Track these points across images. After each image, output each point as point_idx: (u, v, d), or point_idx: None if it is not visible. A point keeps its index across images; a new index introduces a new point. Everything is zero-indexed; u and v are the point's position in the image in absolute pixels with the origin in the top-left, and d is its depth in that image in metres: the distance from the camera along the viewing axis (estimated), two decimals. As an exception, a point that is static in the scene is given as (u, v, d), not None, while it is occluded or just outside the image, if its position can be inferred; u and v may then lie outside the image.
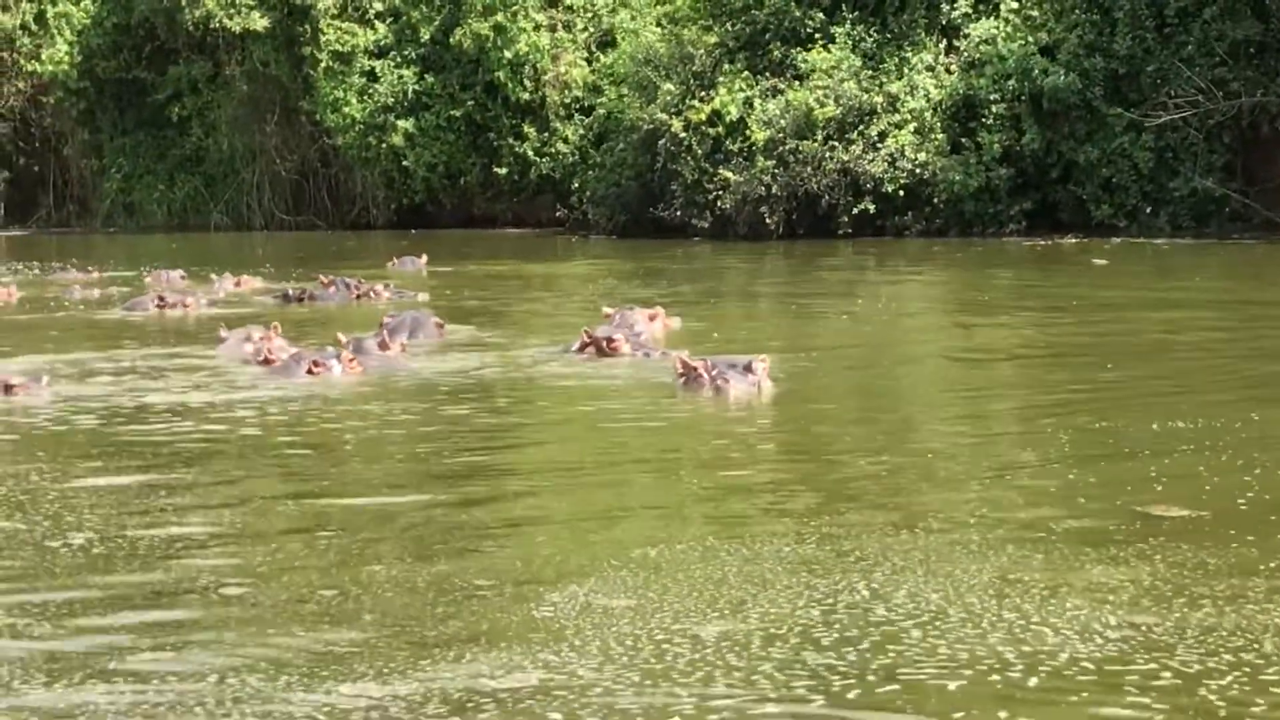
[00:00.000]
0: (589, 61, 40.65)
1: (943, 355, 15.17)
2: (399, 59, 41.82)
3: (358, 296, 21.49)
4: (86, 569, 7.55)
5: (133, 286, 25.06)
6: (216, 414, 11.90)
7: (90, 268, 29.20)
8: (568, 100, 40.39)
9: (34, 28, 47.13)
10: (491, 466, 10.19)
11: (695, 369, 12.27)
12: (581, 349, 13.81)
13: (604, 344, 13.68)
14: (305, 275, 26.48)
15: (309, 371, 13.21)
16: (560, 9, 41.14)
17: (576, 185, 38.82)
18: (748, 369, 12.20)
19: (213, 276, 24.12)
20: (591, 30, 40.93)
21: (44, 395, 12.93)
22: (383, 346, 14.84)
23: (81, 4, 46.93)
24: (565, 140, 40.02)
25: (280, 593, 7.05)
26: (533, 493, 9.32)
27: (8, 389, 12.93)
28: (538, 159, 40.31)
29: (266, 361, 13.86)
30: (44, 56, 46.61)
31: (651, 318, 16.10)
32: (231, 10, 42.00)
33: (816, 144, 32.32)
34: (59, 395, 12.98)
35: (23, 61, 47.18)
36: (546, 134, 40.41)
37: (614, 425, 11.47)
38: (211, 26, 42.44)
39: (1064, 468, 9.40)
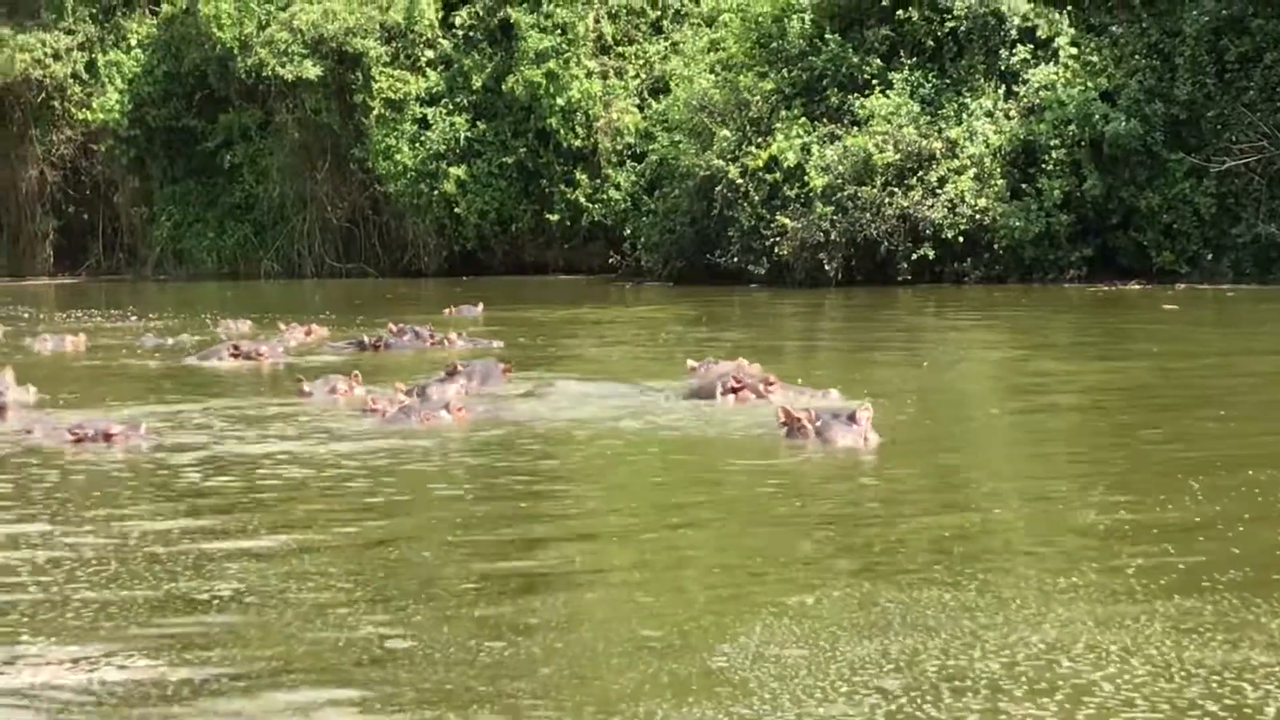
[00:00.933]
0: (640, 108, 40.67)
1: (1040, 400, 15.00)
2: (451, 106, 41.90)
3: (431, 344, 21.41)
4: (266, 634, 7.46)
5: (202, 335, 25.02)
6: (346, 466, 11.76)
7: (152, 316, 29.24)
8: (619, 147, 40.41)
9: (85, 76, 47.30)
10: (617, 511, 10.09)
11: (799, 419, 12.15)
12: (729, 392, 13.65)
13: (761, 387, 13.50)
14: (368, 323, 26.48)
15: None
16: (612, 56, 41.22)
17: (629, 232, 38.74)
18: (851, 419, 12.08)
19: (281, 325, 24.06)
20: (643, 77, 40.99)
21: (143, 444, 12.86)
22: (451, 374, 14.82)
23: (132, 53, 47.12)
24: (617, 187, 40.00)
25: (448, 646, 6.95)
26: (668, 541, 9.20)
27: (107, 437, 12.87)
28: (589, 205, 40.31)
29: (372, 411, 13.75)
30: (95, 105, 46.78)
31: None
32: (284, 59, 42.11)
33: (875, 190, 32.23)
34: (160, 445, 12.91)
35: (74, 110, 47.32)
36: (598, 180, 40.42)
37: (730, 475, 11.37)
38: (263, 75, 42.52)
39: (1205, 512, 9.26)
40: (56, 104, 47.55)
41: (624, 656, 6.70)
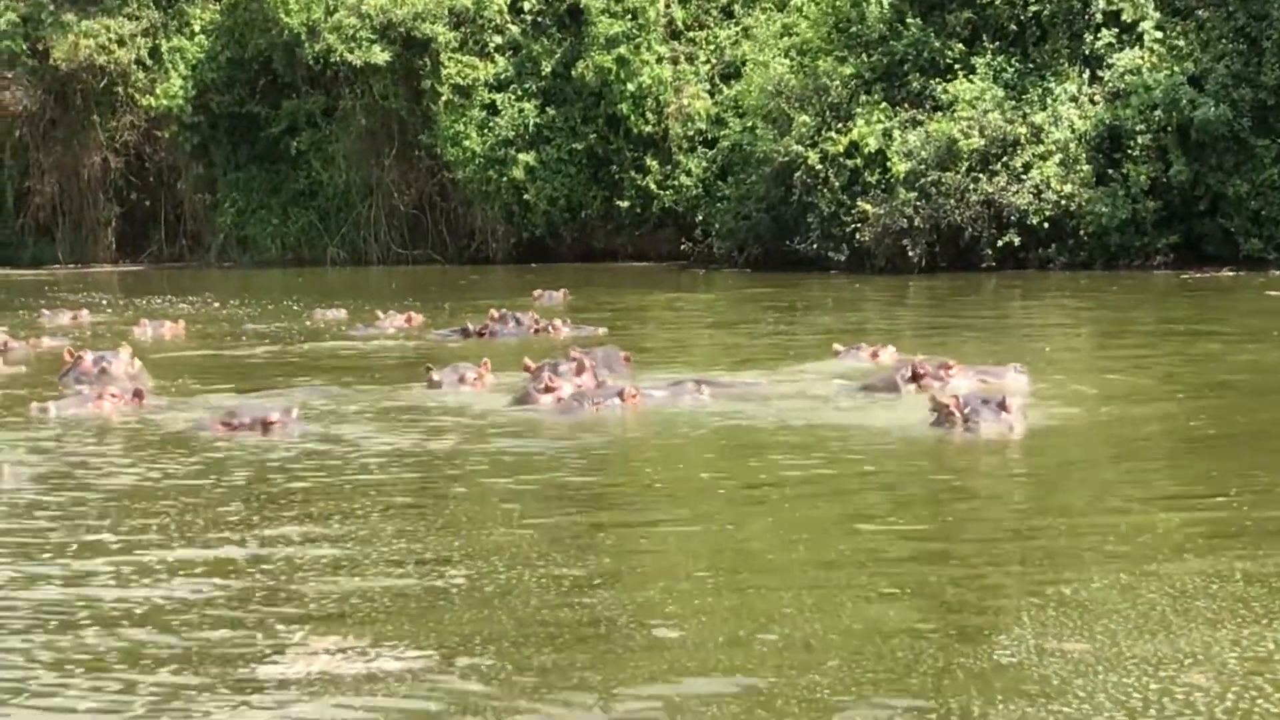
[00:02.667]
0: (711, 93, 40.40)
1: (1179, 387, 14.72)
2: (520, 92, 41.67)
3: (535, 331, 21.23)
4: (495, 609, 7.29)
5: (300, 323, 24.89)
6: (568, 458, 11.56)
7: (234, 302, 29.14)
8: (690, 133, 40.14)
9: (148, 62, 47.15)
10: (828, 499, 9.90)
11: (948, 407, 11.94)
12: (911, 381, 13.41)
13: (940, 372, 13.25)
14: (456, 310, 26.33)
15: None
16: (683, 41, 40.97)
17: (700, 218, 38.51)
18: (1001, 406, 11.86)
19: (378, 313, 23.88)
20: (714, 62, 40.71)
21: (294, 431, 12.71)
22: (578, 370, 14.60)
23: (196, 39, 46.97)
24: (688, 173, 39.74)
25: (716, 634, 6.77)
26: (886, 531, 9.02)
27: (266, 426, 12.71)
28: (660, 192, 40.04)
29: (548, 390, 13.48)
30: (158, 91, 46.62)
31: (874, 355, 15.82)
32: (352, 44, 41.93)
33: (960, 175, 31.95)
34: (307, 434, 12.74)
35: (137, 96, 47.18)
36: (669, 167, 40.16)
37: (905, 460, 11.22)
38: (331, 61, 42.36)
39: None
40: (120, 90, 47.36)
41: (902, 649, 6.52)
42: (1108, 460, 11.28)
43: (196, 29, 47.07)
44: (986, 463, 11.23)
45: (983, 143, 31.98)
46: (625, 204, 40.81)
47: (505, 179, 41.40)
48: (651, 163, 40.28)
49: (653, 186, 40.17)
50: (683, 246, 39.01)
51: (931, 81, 33.57)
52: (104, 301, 31.76)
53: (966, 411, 11.82)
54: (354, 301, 27.89)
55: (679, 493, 10.21)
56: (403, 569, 8.08)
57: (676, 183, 39.93)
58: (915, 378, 13.55)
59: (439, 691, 6.10)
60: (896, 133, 33.07)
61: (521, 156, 41.11)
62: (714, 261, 37.42)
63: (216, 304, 29.53)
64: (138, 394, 14.84)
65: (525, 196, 41.45)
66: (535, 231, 42.38)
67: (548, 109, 41.33)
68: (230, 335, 23.27)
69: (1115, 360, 17.41)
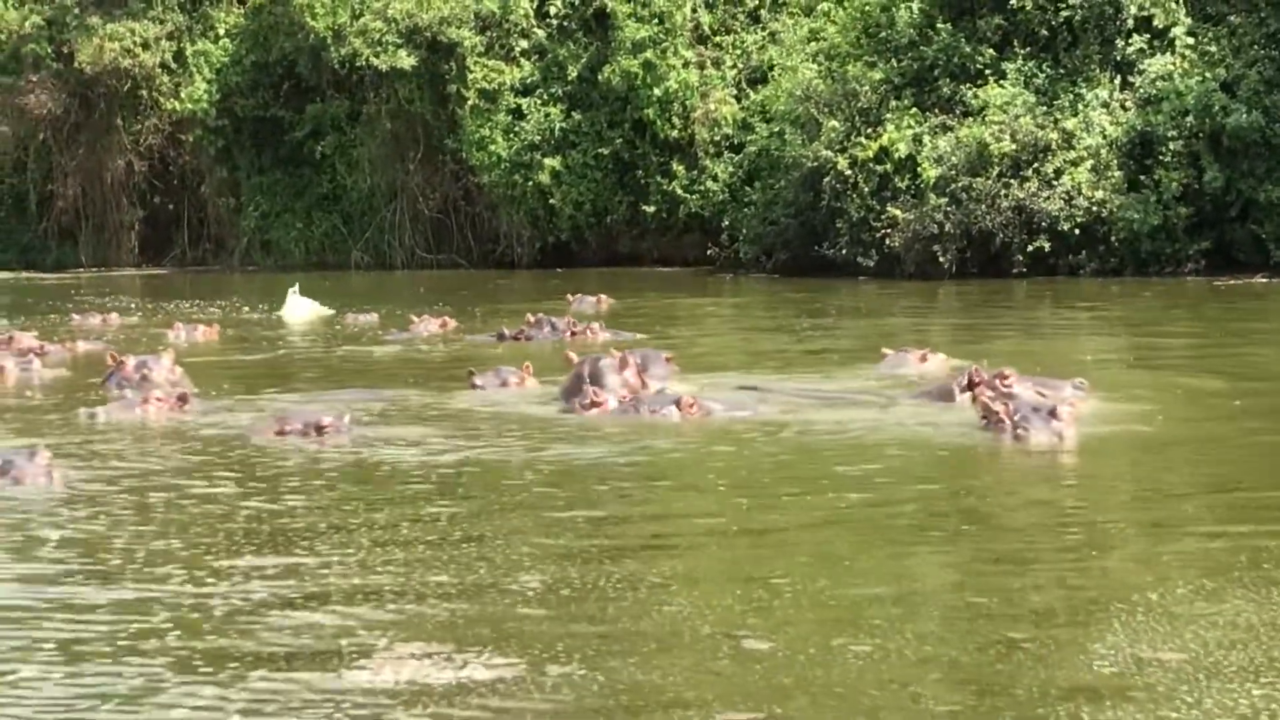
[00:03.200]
0: (738, 99, 40.31)
1: (1234, 392, 14.59)
2: (545, 96, 41.61)
3: (571, 335, 21.14)
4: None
5: (332, 328, 24.83)
6: (634, 465, 11.48)
7: (264, 306, 29.07)
8: (717, 137, 40.07)
9: (173, 66, 47.15)
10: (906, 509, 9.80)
11: (997, 414, 11.83)
12: (967, 389, 13.27)
13: (997, 382, 13.10)
14: (488, 314, 26.26)
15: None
16: (709, 46, 40.90)
17: (726, 223, 38.42)
18: (1051, 414, 11.74)
19: (413, 317, 23.79)
20: (740, 67, 40.63)
21: (346, 436, 12.62)
22: (620, 366, 14.50)
23: (220, 42, 46.97)
24: (714, 178, 39.68)
25: (806, 645, 6.67)
26: (958, 539, 8.92)
27: (319, 430, 12.62)
28: (686, 197, 39.96)
29: (594, 405, 13.36)
30: (183, 95, 46.63)
31: (923, 358, 15.72)
32: (378, 49, 41.89)
33: (990, 181, 31.83)
34: (363, 438, 12.66)
35: (162, 100, 47.18)
36: (695, 172, 40.08)
37: (965, 468, 11.12)
38: (357, 65, 42.32)
39: None
40: (144, 94, 47.36)
41: (1003, 660, 6.42)
42: (1169, 466, 11.16)
43: (221, 33, 47.09)
44: (1045, 470, 11.14)
45: (1014, 148, 31.86)
46: (651, 209, 40.75)
47: (531, 183, 41.34)
48: (678, 167, 40.21)
49: (679, 191, 40.09)
50: (709, 251, 38.88)
51: (962, 87, 33.46)
52: (132, 305, 31.73)
53: (1016, 419, 11.71)
54: (383, 306, 27.83)
55: (746, 498, 10.10)
56: (474, 574, 7.98)
57: (703, 188, 39.86)
58: (971, 386, 13.42)
59: (533, 703, 5.99)
60: (927, 138, 32.96)
61: (547, 161, 41.04)
62: (740, 267, 37.31)
63: (246, 308, 29.47)
64: (182, 398, 14.76)
65: (551, 201, 41.39)
66: (560, 236, 42.33)
67: (573, 113, 41.27)
68: (264, 339, 23.21)
69: (1163, 366, 17.31)
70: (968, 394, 13.00)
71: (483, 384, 15.67)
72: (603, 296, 27.57)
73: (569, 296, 27.46)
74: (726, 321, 25.39)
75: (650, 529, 9.33)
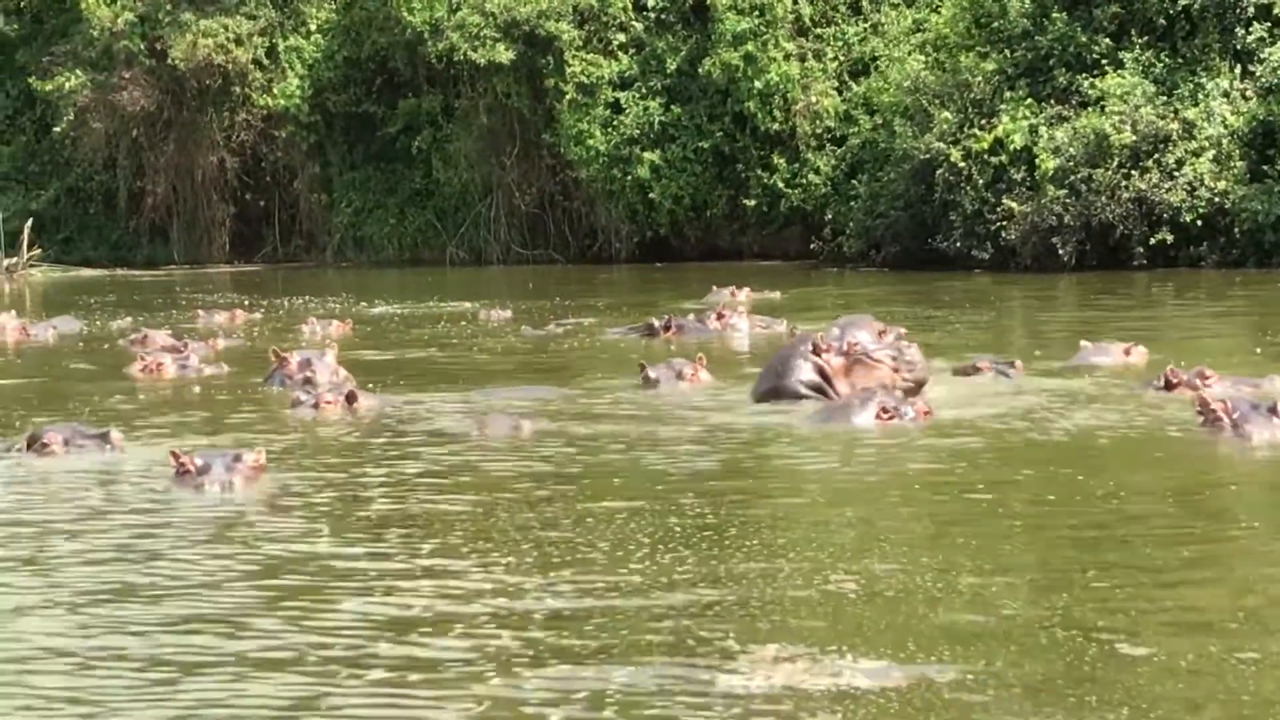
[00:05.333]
0: (840, 91, 39.93)
1: None
2: (644, 90, 41.29)
3: (722, 326, 20.92)
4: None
5: (463, 324, 24.61)
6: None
7: (379, 301, 28.93)
8: (819, 130, 39.69)
9: (265, 62, 47.00)
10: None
11: (1215, 410, 11.48)
12: (1168, 388, 12.95)
13: (1196, 381, 12.76)
14: (611, 309, 26.02)
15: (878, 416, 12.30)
16: (810, 38, 40.52)
17: (829, 217, 38.08)
18: (1272, 411, 11.38)
19: (551, 317, 23.55)
20: (842, 59, 40.25)
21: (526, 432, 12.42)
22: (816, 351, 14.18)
23: (312, 38, 46.82)
24: (816, 171, 39.31)
25: (1186, 652, 6.36)
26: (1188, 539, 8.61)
27: (515, 427, 12.46)
28: (788, 190, 39.60)
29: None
30: (275, 90, 46.49)
31: (1126, 352, 15.38)
32: (476, 43, 41.63)
33: (1110, 172, 31.39)
34: (565, 434, 12.42)
35: (254, 96, 47.04)
36: (797, 165, 39.72)
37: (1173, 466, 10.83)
38: (454, 59, 42.08)
39: None
40: (236, 90, 47.21)
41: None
42: None
43: (313, 28, 46.92)
44: (1268, 468, 10.82)
45: (1135, 139, 31.40)
46: (751, 202, 40.41)
47: (629, 177, 41.03)
48: (778, 161, 39.86)
49: (780, 185, 39.74)
50: (812, 245, 38.53)
51: (1078, 77, 32.99)
52: (246, 301, 31.57)
53: (1235, 416, 11.36)
54: (495, 300, 27.64)
55: (1003, 487, 9.81)
56: (821, 572, 7.68)
57: (804, 181, 39.51)
58: (1169, 386, 13.10)
59: (927, 714, 5.71)
60: (1043, 129, 32.53)
61: (646, 155, 40.73)
62: (845, 261, 36.93)
63: (364, 303, 29.23)
64: (350, 397, 14.50)
65: (649, 195, 41.07)
66: (659, 230, 42.03)
67: (673, 107, 40.95)
68: (394, 334, 22.95)
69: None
70: (1164, 393, 12.77)
71: (656, 377, 15.41)
72: (749, 289, 27.16)
73: (714, 288, 27.10)
74: (869, 312, 24.73)
75: (960, 525, 9.01)
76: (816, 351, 13.61)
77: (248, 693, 6.12)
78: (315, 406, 14.36)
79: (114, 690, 6.24)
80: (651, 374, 15.49)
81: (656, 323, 20.94)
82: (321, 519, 9.54)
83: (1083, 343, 15.58)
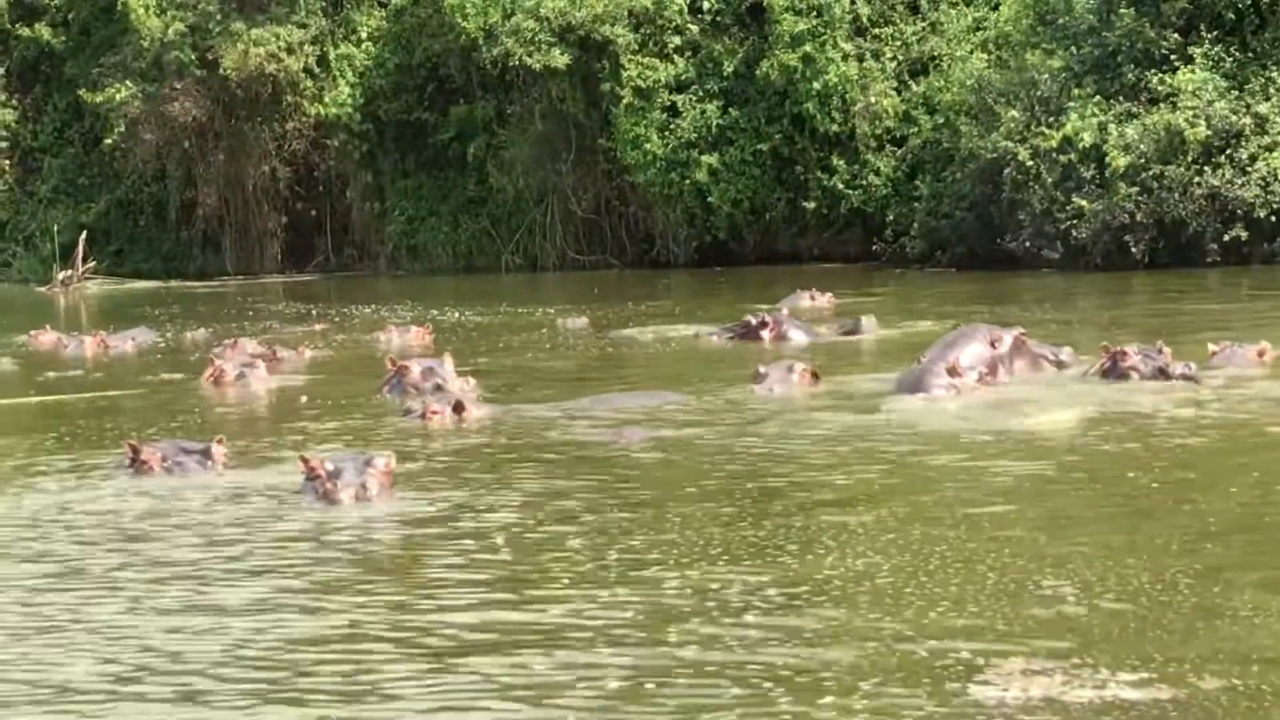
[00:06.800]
0: (899, 91, 39.59)
1: None
2: (701, 93, 41.00)
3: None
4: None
5: (540, 331, 24.37)
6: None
7: (449, 307, 28.75)
8: (878, 131, 39.35)
9: (316, 71, 46.81)
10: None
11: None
12: None
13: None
14: (685, 312, 25.76)
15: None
16: (868, 38, 40.17)
17: (891, 218, 37.77)
18: None
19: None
20: (900, 59, 39.90)
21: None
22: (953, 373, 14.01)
23: (363, 46, 46.65)
24: (876, 172, 38.97)
25: None
26: None
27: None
28: (848, 192, 39.26)
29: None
30: (327, 99, 46.31)
31: (1260, 353, 15.03)
32: (531, 48, 41.39)
33: (1183, 169, 31.02)
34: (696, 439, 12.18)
35: (306, 104, 46.85)
36: (857, 166, 39.37)
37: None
38: (509, 65, 41.84)
39: None
40: (287, 99, 47.05)
41: None
42: None
43: (363, 35, 46.75)
44: None
45: (1208, 134, 31.02)
46: (811, 205, 40.08)
47: (687, 181, 40.74)
48: (838, 162, 39.51)
49: (840, 186, 39.39)
50: (874, 247, 38.23)
51: (1147, 73, 32.62)
52: (312, 310, 31.41)
53: None
54: (572, 306, 27.41)
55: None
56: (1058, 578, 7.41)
57: (865, 182, 39.15)
58: None
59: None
60: (1112, 126, 32.15)
61: (704, 158, 40.44)
62: (908, 262, 36.61)
63: (433, 311, 28.96)
64: (457, 407, 14.24)
65: (708, 199, 40.76)
66: (717, 234, 41.69)
67: (730, 110, 40.64)
68: (477, 342, 22.68)
69: None
70: None
71: (768, 373, 15.19)
72: (830, 295, 26.88)
73: (798, 291, 26.85)
74: (961, 313, 24.31)
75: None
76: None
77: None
78: (423, 417, 14.12)
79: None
80: (763, 369, 15.29)
81: (753, 320, 20.67)
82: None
83: (1211, 346, 15.19)
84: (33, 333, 25.28)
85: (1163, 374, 13.81)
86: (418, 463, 11.76)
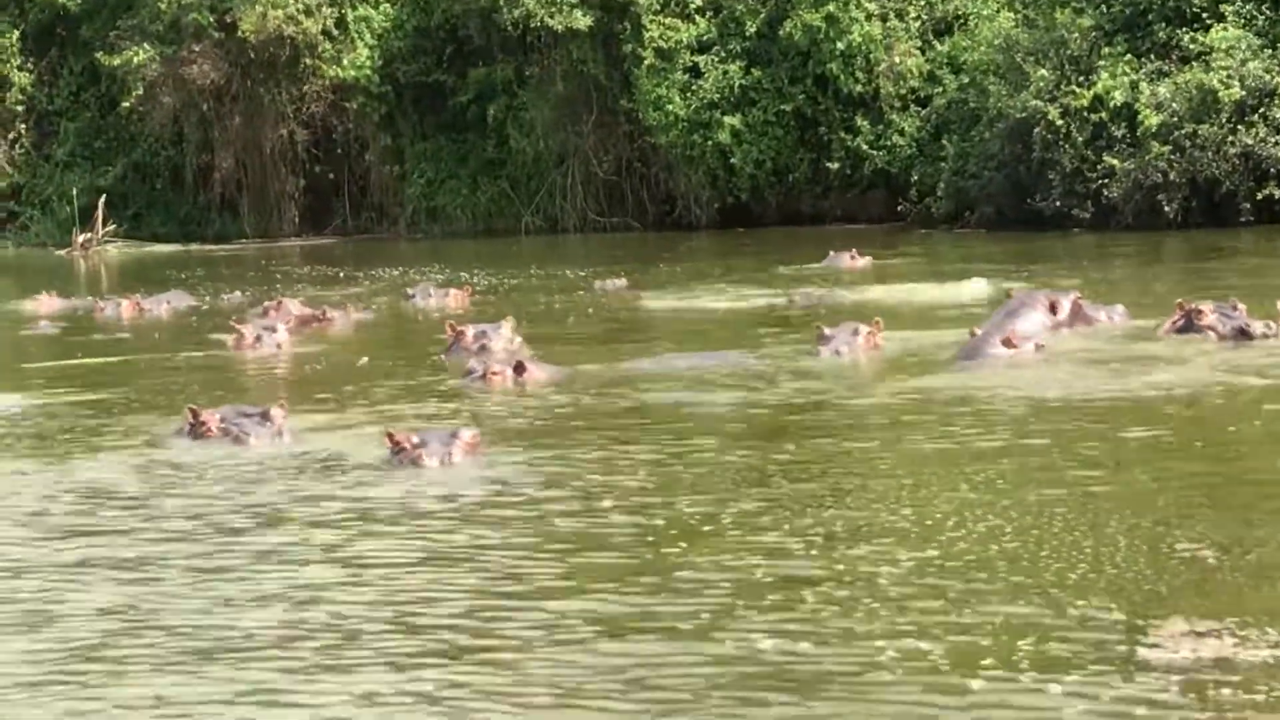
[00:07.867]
0: (923, 50, 39.36)
1: None
2: (723, 54, 40.75)
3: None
4: None
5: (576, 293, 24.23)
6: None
7: (477, 269, 28.61)
8: (903, 91, 39.11)
9: (334, 33, 46.57)
10: None
11: None
12: None
13: None
14: (721, 275, 25.64)
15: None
16: (892, -3, 39.94)
17: (915, 179, 37.60)
18: None
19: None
20: (925, 19, 39.66)
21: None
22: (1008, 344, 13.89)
23: (381, 8, 46.42)
24: (901, 132, 38.76)
25: None
26: None
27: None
28: (872, 152, 39.05)
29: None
30: (345, 61, 46.07)
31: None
32: (553, 9, 41.16)
33: (1217, 128, 30.83)
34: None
35: (324, 67, 46.59)
36: (881, 126, 39.16)
37: None
38: (531, 25, 41.61)
39: None
40: (305, 61, 46.78)
41: None
42: None
43: (381, -3, 46.51)
44: None
45: (1242, 93, 30.83)
46: (834, 166, 39.83)
47: (710, 143, 40.51)
48: (862, 123, 39.28)
49: (864, 147, 39.17)
50: (899, 208, 38.07)
51: (1178, 31, 32.42)
52: (339, 273, 31.27)
53: None
54: (599, 268, 27.27)
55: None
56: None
57: (889, 143, 38.94)
58: None
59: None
60: (1144, 85, 31.98)
61: (727, 119, 40.19)
62: (934, 222, 36.46)
63: (463, 274, 28.78)
64: (518, 368, 14.14)
65: (731, 160, 40.54)
66: (740, 196, 41.47)
67: (753, 70, 40.40)
68: (515, 304, 22.52)
69: None
70: None
71: (832, 335, 15.04)
72: (870, 257, 26.76)
73: (833, 252, 26.72)
74: (1014, 272, 24.04)
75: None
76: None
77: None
78: (483, 378, 14.04)
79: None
80: (827, 332, 15.14)
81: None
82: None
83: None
84: (36, 297, 25.22)
85: (1243, 334, 13.63)
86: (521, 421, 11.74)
